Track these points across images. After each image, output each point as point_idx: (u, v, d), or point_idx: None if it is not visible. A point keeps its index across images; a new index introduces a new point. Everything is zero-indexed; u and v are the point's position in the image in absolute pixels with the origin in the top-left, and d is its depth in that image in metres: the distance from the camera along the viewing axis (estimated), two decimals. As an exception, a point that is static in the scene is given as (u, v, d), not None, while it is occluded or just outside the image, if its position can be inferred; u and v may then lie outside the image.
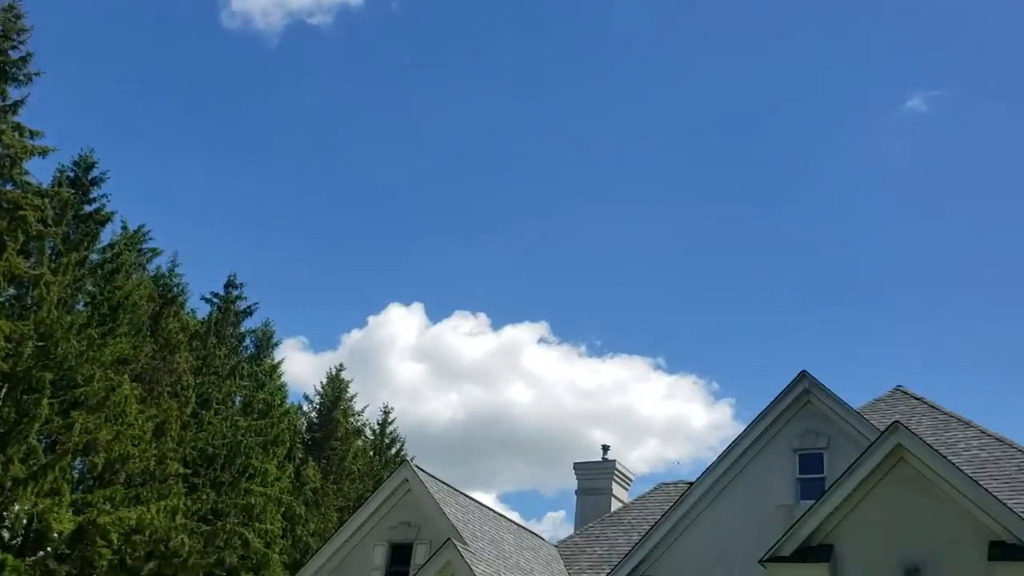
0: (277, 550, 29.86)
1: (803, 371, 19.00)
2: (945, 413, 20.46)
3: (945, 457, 15.79)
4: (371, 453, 39.75)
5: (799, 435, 18.67)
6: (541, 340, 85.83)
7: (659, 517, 20.14)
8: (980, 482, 15.43)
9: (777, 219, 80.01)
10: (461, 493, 20.74)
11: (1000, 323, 71.74)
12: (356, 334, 79.11)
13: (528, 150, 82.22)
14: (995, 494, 15.25)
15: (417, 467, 19.96)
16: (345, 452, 36.71)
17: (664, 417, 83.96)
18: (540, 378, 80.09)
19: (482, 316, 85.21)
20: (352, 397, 39.48)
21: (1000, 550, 14.37)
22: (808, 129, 77.17)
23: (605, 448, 27.43)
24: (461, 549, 17.19)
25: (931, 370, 75.13)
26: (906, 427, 16.29)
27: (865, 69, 74.40)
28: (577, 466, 27.44)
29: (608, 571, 19.94)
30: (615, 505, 26.17)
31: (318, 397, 39.33)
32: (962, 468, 15.69)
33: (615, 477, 26.70)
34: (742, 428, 19.30)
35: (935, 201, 76.18)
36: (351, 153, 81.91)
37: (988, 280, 75.46)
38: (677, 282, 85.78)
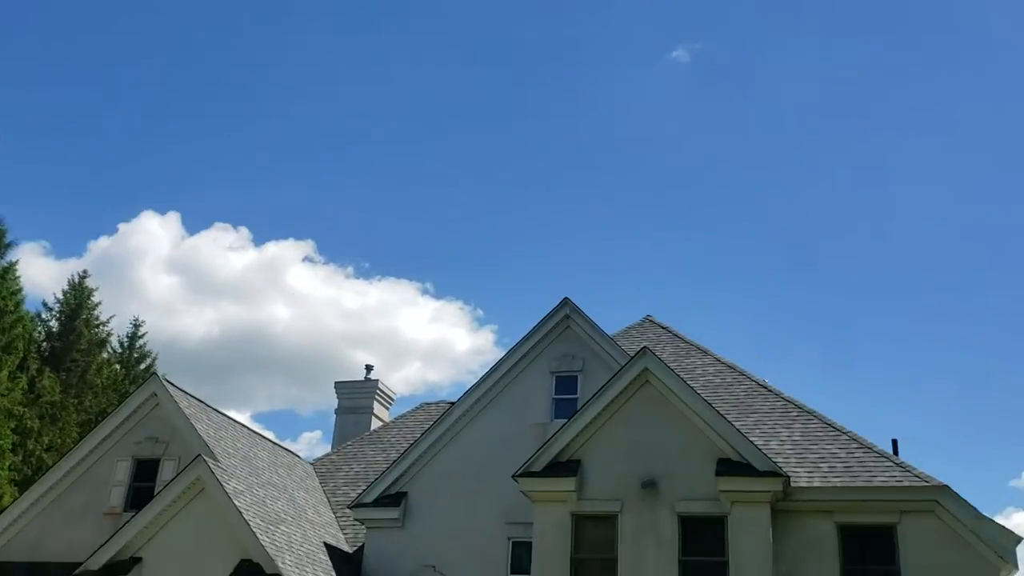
0: (6, 465, 27.54)
1: (566, 298, 19.74)
2: (687, 342, 22.02)
3: (684, 381, 17.04)
4: (118, 367, 37.32)
5: (557, 358, 19.45)
6: (306, 259, 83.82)
7: (419, 436, 20.42)
8: (713, 405, 16.78)
9: (545, 155, 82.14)
10: (213, 409, 19.94)
11: (740, 254, 78.08)
12: (104, 241, 73.38)
13: (296, 64, 78.80)
14: (725, 416, 16.66)
15: (166, 380, 18.93)
16: (88, 365, 34.19)
17: (428, 341, 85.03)
18: (303, 297, 78.32)
19: (243, 230, 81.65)
20: (96, 306, 36.63)
21: (726, 466, 15.77)
22: (572, 71, 79.27)
23: (368, 368, 27.38)
24: (212, 465, 16.57)
25: (679, 301, 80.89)
26: (653, 352, 17.38)
27: (627, 21, 77.14)
28: (338, 385, 27.22)
29: (364, 488, 20.04)
30: (375, 424, 26.28)
31: (58, 305, 36.25)
32: (698, 392, 16.98)
33: (376, 396, 26.75)
34: (503, 353, 19.85)
35: (692, 139, 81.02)
36: (108, 46, 74.82)
37: (727, 216, 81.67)
38: (448, 208, 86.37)
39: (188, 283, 73.95)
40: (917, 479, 15.51)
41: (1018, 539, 14.68)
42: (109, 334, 37.09)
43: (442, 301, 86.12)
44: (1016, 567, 14.85)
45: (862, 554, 15.41)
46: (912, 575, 14.86)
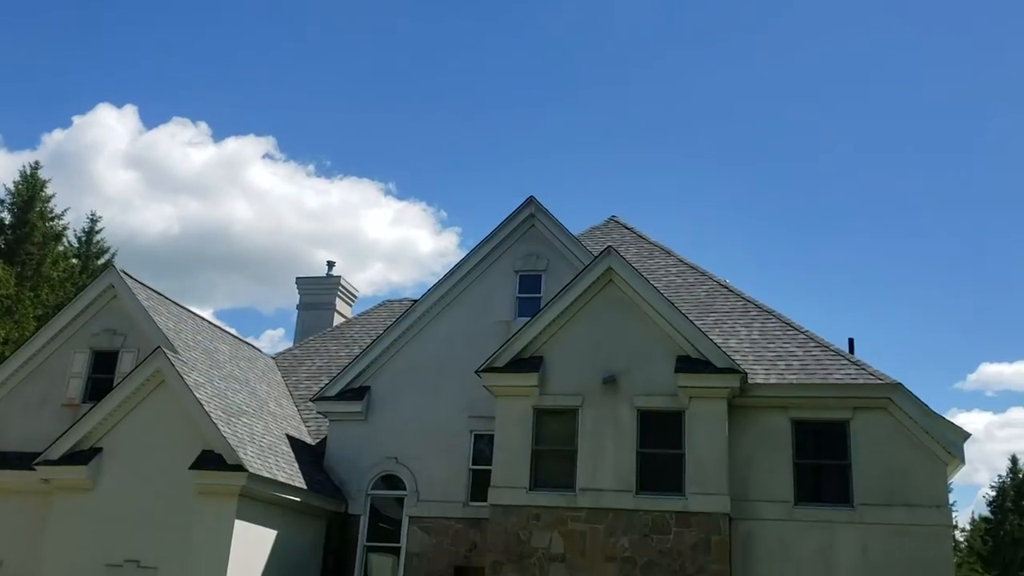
0: (-40, 359, 27.19)
1: (531, 196, 19.55)
2: (650, 243, 22.04)
3: (647, 280, 17.09)
4: (75, 261, 36.62)
5: (522, 257, 19.37)
6: (266, 155, 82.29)
7: (382, 331, 20.40)
8: (674, 304, 16.88)
9: (515, 57, 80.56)
10: (172, 302, 19.68)
11: (693, 157, 78.08)
12: (58, 134, 71.30)
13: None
14: (686, 315, 16.78)
15: (124, 272, 18.58)
16: (43, 258, 33.49)
17: (391, 242, 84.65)
18: (263, 195, 77.23)
19: (203, 125, 79.77)
20: (50, 198, 35.69)
21: (685, 363, 15.98)
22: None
23: (330, 264, 27.15)
24: (171, 357, 16.43)
25: (642, 202, 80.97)
26: (617, 252, 17.36)
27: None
28: (300, 280, 27.01)
29: (327, 382, 20.08)
30: (338, 321, 26.21)
31: (10, 197, 35.25)
32: (660, 291, 17.05)
33: (339, 293, 26.61)
34: (465, 255, 19.72)
35: (661, 51, 79.89)
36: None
37: (698, 130, 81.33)
38: (413, 107, 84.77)
39: (146, 179, 72.44)
40: (871, 377, 15.84)
41: (966, 435, 15.14)
42: (64, 228, 36.31)
43: (405, 202, 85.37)
44: (963, 462, 15.35)
45: (815, 448, 15.84)
46: (862, 468, 15.33)
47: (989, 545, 51.20)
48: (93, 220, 39.19)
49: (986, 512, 53.67)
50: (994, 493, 54.96)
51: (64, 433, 16.36)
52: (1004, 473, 55.22)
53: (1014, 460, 54.76)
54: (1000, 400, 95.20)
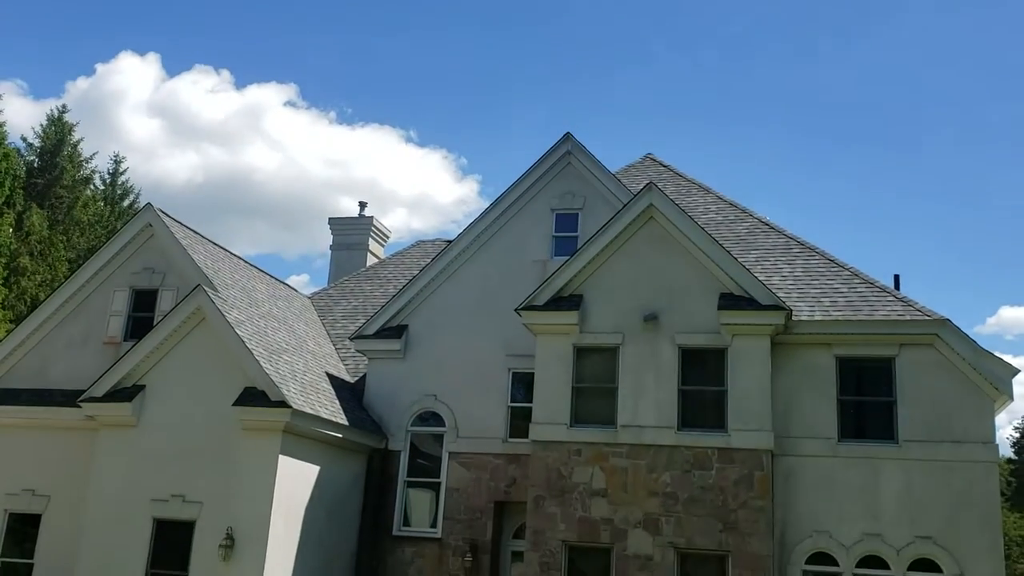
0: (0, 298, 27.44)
1: (567, 133, 19.26)
2: (688, 179, 21.72)
3: (690, 217, 16.85)
4: (102, 204, 36.73)
5: (558, 196, 19.15)
6: (288, 103, 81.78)
7: (417, 272, 20.33)
8: (717, 241, 16.64)
9: (527, 5, 79.09)
10: (209, 241, 19.67)
11: (743, 95, 76.91)
12: (83, 83, 71.01)
13: None
14: (729, 251, 16.55)
15: (161, 211, 18.55)
16: (73, 201, 33.60)
17: (412, 189, 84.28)
18: (285, 142, 76.89)
19: (225, 73, 79.21)
20: (78, 142, 35.72)
21: (728, 300, 15.81)
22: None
23: (362, 204, 27.05)
24: (211, 295, 16.45)
25: (678, 141, 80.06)
26: (659, 188, 17.10)
27: None
28: (332, 221, 26.94)
29: (363, 321, 20.09)
30: (371, 261, 26.18)
31: (38, 141, 35.25)
32: (702, 227, 16.81)
33: (372, 233, 26.54)
34: (487, 204, 19.54)
35: (688, -11, 78.18)
36: None
37: (727, 56, 79.84)
38: (434, 53, 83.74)
39: (169, 126, 72.27)
40: (918, 313, 15.62)
41: (1015, 371, 14.94)
42: (93, 172, 36.38)
43: (426, 149, 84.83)
44: (1011, 398, 15.18)
45: (859, 385, 15.68)
46: (908, 405, 15.19)
47: (1013, 486, 51.27)
48: (117, 161, 39.26)
49: (1009, 454, 53.64)
50: (1017, 435, 54.90)
51: (107, 371, 16.48)
52: (1030, 414, 55.08)
53: (1043, 401, 54.46)
54: (1020, 343, 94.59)
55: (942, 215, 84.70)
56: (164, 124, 72.87)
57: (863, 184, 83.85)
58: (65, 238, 31.85)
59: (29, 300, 29.34)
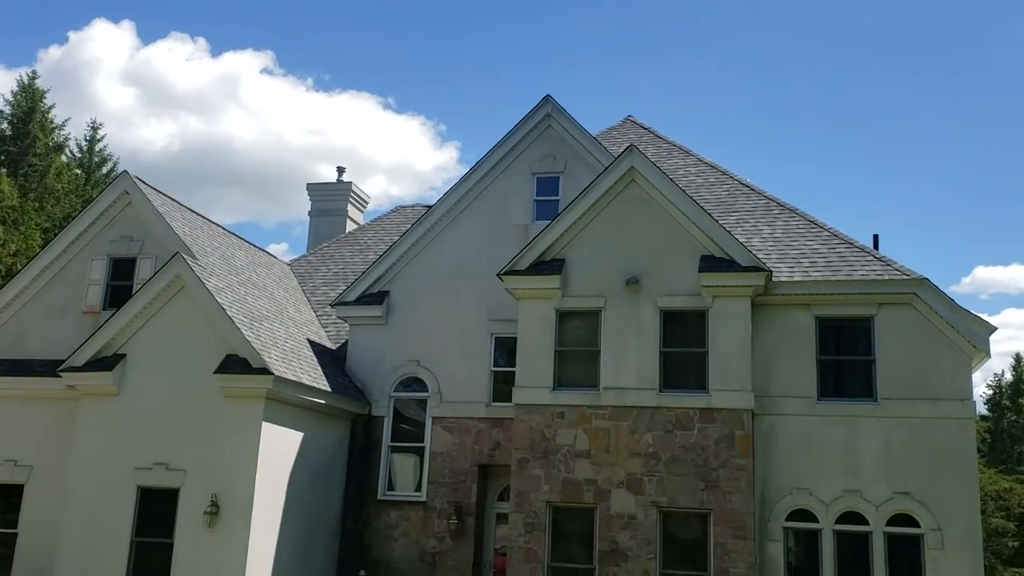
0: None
1: (547, 95, 19.12)
2: (668, 142, 21.68)
3: (670, 179, 16.83)
4: (79, 172, 36.21)
5: (539, 159, 19.05)
6: (264, 70, 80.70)
7: (397, 238, 20.24)
8: (697, 203, 16.65)
9: (516, -47, 78.00)
10: (188, 208, 19.47)
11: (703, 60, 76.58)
12: (55, 51, 69.72)
13: None
14: (709, 213, 16.58)
15: (138, 179, 18.31)
16: (46, 169, 33.08)
17: (390, 157, 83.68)
18: (262, 110, 75.99)
19: (201, 40, 77.99)
20: (50, 108, 35.07)
21: (709, 262, 15.87)
22: None
23: (340, 170, 26.82)
24: (191, 263, 16.31)
25: (658, 102, 79.79)
26: (640, 151, 17.06)
27: None
28: (311, 187, 26.73)
29: (344, 288, 20.02)
30: (350, 227, 26.03)
31: (8, 108, 34.60)
32: (683, 190, 16.80)
33: (351, 199, 26.36)
34: (466, 170, 19.40)
35: (666, -51, 77.36)
36: None
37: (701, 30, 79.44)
38: (410, 19, 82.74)
39: (145, 95, 71.18)
40: (897, 273, 15.74)
41: (992, 328, 15.12)
42: (66, 139, 35.80)
43: (404, 115, 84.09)
44: (989, 355, 15.38)
45: (839, 344, 15.84)
46: (887, 363, 15.36)
47: (988, 442, 52.20)
48: (94, 128, 38.67)
49: (984, 411, 54.61)
50: (991, 392, 55.85)
51: (87, 340, 16.35)
52: (1001, 371, 56.01)
53: (1018, 358, 55.40)
54: (995, 303, 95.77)
55: (910, 177, 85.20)
56: (139, 93, 71.83)
57: (840, 143, 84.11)
58: (39, 205, 31.39)
59: (4, 270, 28.98)
